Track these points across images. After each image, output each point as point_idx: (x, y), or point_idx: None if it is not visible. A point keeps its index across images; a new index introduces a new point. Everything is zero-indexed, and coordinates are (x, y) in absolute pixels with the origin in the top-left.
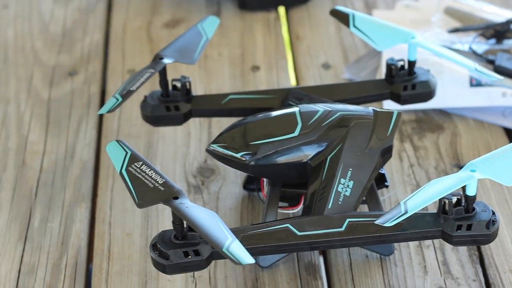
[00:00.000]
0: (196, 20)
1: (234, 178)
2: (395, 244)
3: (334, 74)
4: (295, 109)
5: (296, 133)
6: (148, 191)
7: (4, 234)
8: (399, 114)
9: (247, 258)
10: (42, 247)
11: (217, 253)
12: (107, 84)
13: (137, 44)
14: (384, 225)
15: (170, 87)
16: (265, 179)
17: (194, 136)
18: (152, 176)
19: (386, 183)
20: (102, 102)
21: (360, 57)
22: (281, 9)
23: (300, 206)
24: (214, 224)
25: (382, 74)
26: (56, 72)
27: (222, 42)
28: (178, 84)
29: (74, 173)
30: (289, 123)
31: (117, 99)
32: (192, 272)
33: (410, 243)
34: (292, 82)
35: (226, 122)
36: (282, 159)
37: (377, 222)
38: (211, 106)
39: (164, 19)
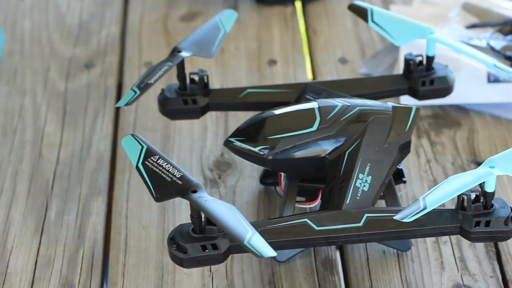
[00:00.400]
0: (213, 14)
1: (250, 172)
2: (412, 240)
3: (351, 69)
4: (313, 103)
5: (314, 128)
6: (166, 185)
7: (20, 226)
8: (417, 109)
9: (268, 251)
10: (58, 240)
11: (235, 247)
12: (124, 77)
13: (153, 37)
14: (403, 220)
15: (187, 81)
16: (282, 174)
17: (211, 130)
18: (169, 170)
19: (404, 179)
20: (118, 95)
21: (377, 52)
22: (298, 4)
23: (318, 201)
24: (234, 217)
25: (399, 69)
26: (72, 64)
27: (239, 36)
28: (196, 78)
29: (91, 166)
30: (308, 117)
31: (135, 92)
32: (209, 266)
33: (427, 239)
34: (309, 77)
35: (242, 116)
36: (300, 154)
37: (395, 217)
38: (229, 100)
39: (180, 12)
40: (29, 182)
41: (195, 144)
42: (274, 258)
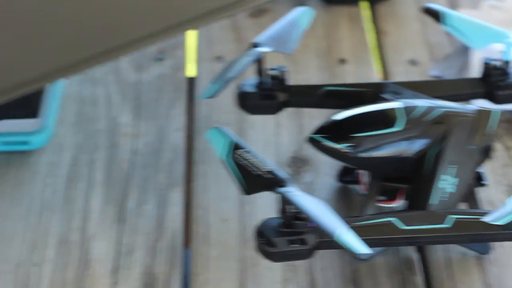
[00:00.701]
0: (281, 11)
1: (327, 170)
2: (491, 243)
3: (421, 71)
4: (397, 103)
5: (399, 128)
6: (254, 179)
7: (99, 214)
8: (500, 113)
9: (361, 247)
10: (138, 229)
11: (323, 243)
12: (195, 70)
13: (222, 32)
14: (496, 223)
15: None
16: (362, 172)
17: (285, 126)
18: (257, 164)
19: (483, 182)
20: (190, 88)
21: (446, 55)
22: (365, 4)
23: (398, 201)
24: (326, 212)
25: (470, 72)
26: (143, 56)
27: (308, 34)
28: (275, 73)
29: (167, 157)
30: (393, 117)
31: (218, 85)
32: (291, 261)
33: (506, 242)
34: (379, 77)
35: (315, 113)
36: (384, 153)
37: (486, 220)
38: (307, 97)
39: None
40: (106, 171)
41: (270, 139)
42: (356, 256)
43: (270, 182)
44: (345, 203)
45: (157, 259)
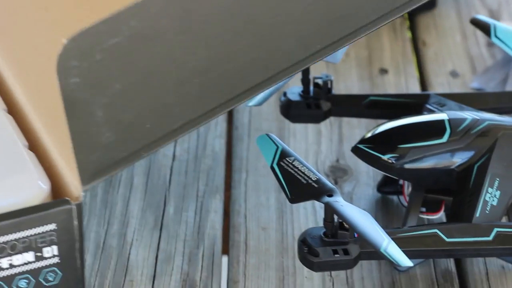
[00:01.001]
0: None
1: (367, 180)
2: None
3: (462, 83)
4: (443, 115)
5: (444, 139)
6: (301, 187)
7: (140, 220)
8: None
9: (405, 260)
10: (178, 236)
11: (365, 254)
12: None
13: None
14: None
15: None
16: (406, 183)
17: (325, 135)
18: (305, 172)
19: None
20: None
21: (488, 68)
22: (406, 15)
23: (440, 213)
24: (370, 224)
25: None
26: None
27: None
28: (320, 82)
29: (206, 164)
30: (438, 128)
31: (266, 93)
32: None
33: None
34: (420, 88)
35: (356, 122)
36: (429, 164)
37: None
38: (351, 106)
39: None
40: (146, 176)
41: (310, 148)
42: (394, 267)
43: (317, 191)
44: (385, 214)
45: (196, 266)
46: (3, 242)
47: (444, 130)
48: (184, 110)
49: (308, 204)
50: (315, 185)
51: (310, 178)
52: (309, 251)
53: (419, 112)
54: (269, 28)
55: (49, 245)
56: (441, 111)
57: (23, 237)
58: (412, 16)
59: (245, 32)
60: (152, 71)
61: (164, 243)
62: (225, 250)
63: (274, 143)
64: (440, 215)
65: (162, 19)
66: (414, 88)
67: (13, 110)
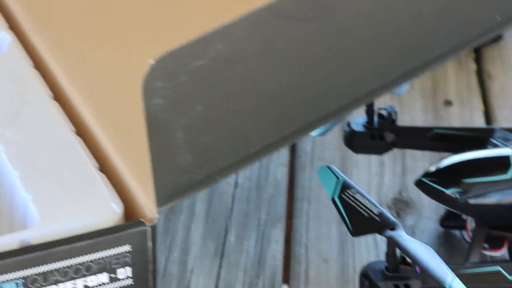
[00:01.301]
0: None
1: (429, 214)
2: None
3: None
4: (507, 150)
5: (509, 176)
6: (363, 220)
7: (200, 247)
8: None
9: None
10: (239, 265)
11: None
12: None
13: None
14: None
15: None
16: (469, 218)
17: (388, 167)
18: (367, 205)
19: None
20: None
21: None
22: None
23: (503, 250)
24: (434, 259)
25: None
26: None
27: None
28: (384, 113)
29: (268, 192)
30: (502, 164)
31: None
32: None
33: None
34: (485, 122)
35: (419, 154)
36: (493, 200)
37: None
38: (415, 138)
39: None
40: (208, 204)
41: (373, 179)
42: None
43: (380, 225)
44: (447, 248)
45: None
46: (79, 263)
47: (509, 166)
48: (261, 135)
49: (369, 236)
50: (378, 219)
51: (373, 211)
52: (371, 285)
53: (483, 146)
54: (348, 56)
55: (123, 267)
56: (506, 146)
57: (98, 258)
58: (478, 48)
59: (325, 59)
60: (232, 94)
61: (225, 271)
62: (285, 280)
63: (335, 175)
64: (504, 253)
65: (247, 43)
66: (479, 120)
67: (81, 132)
